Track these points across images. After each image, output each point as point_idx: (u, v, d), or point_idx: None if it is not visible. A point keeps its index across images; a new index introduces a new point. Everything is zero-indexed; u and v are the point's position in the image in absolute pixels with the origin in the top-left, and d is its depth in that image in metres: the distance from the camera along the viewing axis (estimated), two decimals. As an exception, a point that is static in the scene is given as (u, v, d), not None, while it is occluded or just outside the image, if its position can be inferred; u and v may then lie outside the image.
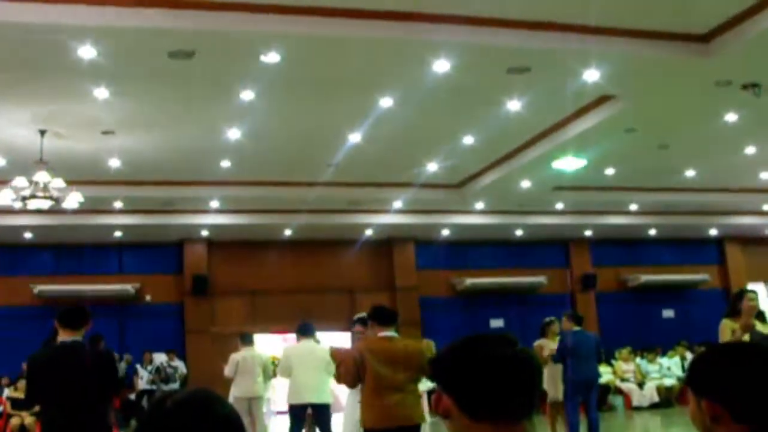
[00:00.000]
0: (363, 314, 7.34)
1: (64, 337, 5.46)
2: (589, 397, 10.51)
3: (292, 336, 11.02)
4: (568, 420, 10.47)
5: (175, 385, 15.79)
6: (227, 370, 11.07)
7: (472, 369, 1.75)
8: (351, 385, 6.42)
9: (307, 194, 14.61)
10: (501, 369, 1.74)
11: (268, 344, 15.74)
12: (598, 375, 10.90)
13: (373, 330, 6.30)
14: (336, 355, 6.46)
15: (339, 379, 6.46)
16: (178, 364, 16.46)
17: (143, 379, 16.21)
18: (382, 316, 6.28)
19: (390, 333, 6.21)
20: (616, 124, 11.05)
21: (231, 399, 11.35)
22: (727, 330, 7.51)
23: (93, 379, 5.34)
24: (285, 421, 9.64)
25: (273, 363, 11.85)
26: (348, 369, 6.12)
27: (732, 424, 1.74)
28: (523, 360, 1.78)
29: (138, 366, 16.35)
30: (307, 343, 9.62)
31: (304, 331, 9.68)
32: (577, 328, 10.58)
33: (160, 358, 16.55)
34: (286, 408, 9.85)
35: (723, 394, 1.76)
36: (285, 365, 9.50)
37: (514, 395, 1.74)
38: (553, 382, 10.93)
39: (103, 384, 5.44)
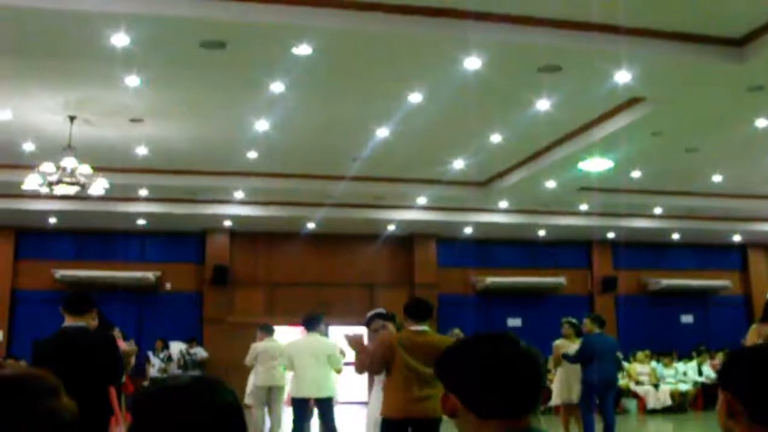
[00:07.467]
0: (381, 309, 7.33)
1: (68, 322, 5.57)
2: (606, 399, 10.49)
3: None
4: (583, 421, 10.43)
5: (196, 372, 15.84)
6: (247, 359, 11.21)
7: (475, 368, 1.79)
8: (375, 372, 6.42)
9: (331, 188, 14.63)
10: (504, 367, 1.78)
11: (286, 336, 15.74)
12: (616, 378, 10.90)
13: (407, 323, 6.32)
14: (355, 343, 6.45)
15: (361, 366, 6.44)
16: (197, 350, 16.55)
17: (155, 366, 16.27)
18: (418, 311, 6.30)
19: (422, 327, 6.24)
20: (645, 127, 10.97)
21: (251, 387, 11.50)
22: (754, 334, 7.48)
23: (93, 364, 5.41)
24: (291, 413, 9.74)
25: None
26: (376, 356, 6.15)
27: (748, 422, 1.74)
28: (525, 358, 1.81)
29: (150, 354, 16.40)
30: (309, 338, 9.65)
31: (309, 325, 9.72)
32: (598, 331, 10.58)
33: (177, 346, 16.60)
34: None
35: (743, 391, 1.77)
36: (287, 360, 9.65)
37: (518, 392, 1.78)
38: (566, 383, 10.88)
39: (103, 368, 5.50)
